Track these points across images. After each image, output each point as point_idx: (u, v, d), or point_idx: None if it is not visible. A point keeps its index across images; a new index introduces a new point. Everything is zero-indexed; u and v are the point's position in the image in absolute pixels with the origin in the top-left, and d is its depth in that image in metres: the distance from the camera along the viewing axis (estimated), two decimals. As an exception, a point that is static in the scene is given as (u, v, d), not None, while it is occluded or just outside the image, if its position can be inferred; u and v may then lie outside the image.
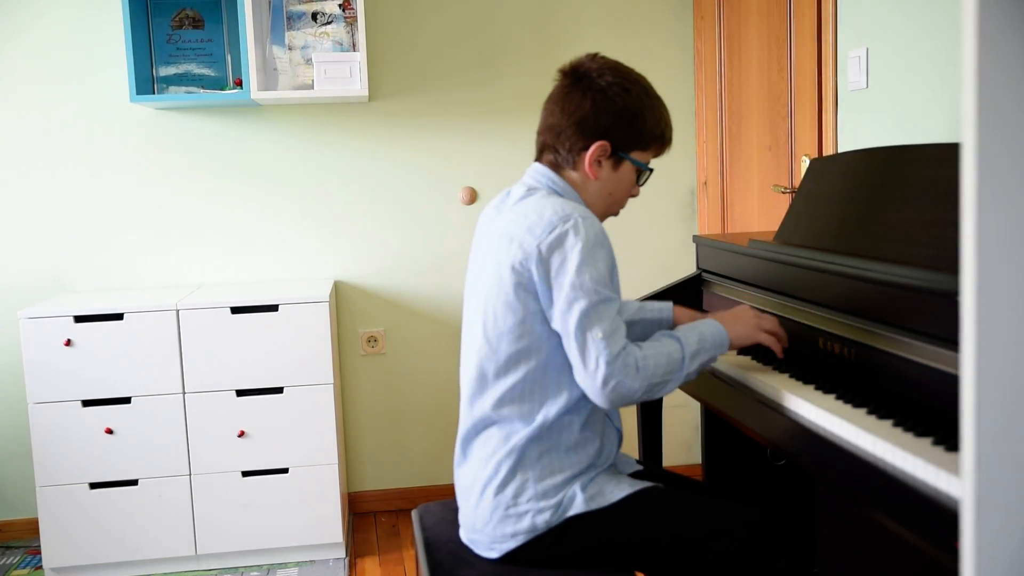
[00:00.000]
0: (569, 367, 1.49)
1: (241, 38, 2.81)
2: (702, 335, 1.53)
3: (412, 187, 3.18)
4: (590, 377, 1.42)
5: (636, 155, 1.59)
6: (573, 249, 1.43)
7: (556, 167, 1.59)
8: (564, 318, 1.43)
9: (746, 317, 1.61)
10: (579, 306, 1.42)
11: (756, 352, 1.75)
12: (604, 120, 1.55)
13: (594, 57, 1.59)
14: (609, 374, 1.40)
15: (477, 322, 1.56)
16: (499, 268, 1.51)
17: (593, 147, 1.55)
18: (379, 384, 3.23)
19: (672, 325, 1.85)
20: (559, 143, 1.57)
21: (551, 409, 1.50)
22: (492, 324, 1.52)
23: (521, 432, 1.51)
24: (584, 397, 1.51)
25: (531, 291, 1.47)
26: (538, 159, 1.62)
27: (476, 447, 1.56)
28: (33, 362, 2.67)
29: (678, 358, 1.48)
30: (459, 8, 3.15)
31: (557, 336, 1.48)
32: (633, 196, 1.65)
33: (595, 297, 1.42)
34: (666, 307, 1.85)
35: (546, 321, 1.48)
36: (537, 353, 1.49)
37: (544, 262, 1.45)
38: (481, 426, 1.56)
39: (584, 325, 1.42)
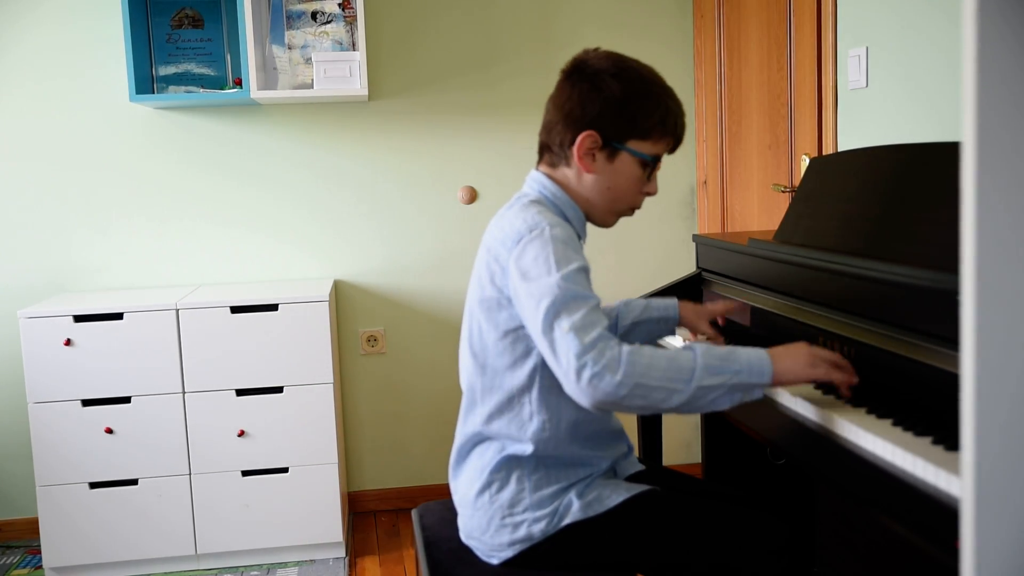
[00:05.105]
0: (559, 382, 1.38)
1: (241, 37, 2.81)
2: (733, 354, 1.34)
3: (412, 186, 3.18)
4: (564, 375, 1.31)
5: (634, 145, 1.48)
6: (540, 255, 1.37)
7: (553, 166, 1.54)
8: (533, 320, 1.35)
9: (798, 351, 1.39)
10: (545, 303, 1.33)
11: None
12: (591, 108, 1.46)
13: (591, 51, 1.52)
14: (580, 367, 1.27)
15: (466, 336, 1.54)
16: (480, 281, 1.48)
17: (580, 137, 1.47)
18: (379, 383, 3.23)
19: (678, 322, 1.84)
20: (551, 139, 1.52)
21: (546, 425, 1.47)
22: (478, 339, 1.49)
23: (513, 448, 1.48)
24: (581, 412, 1.47)
25: (508, 305, 1.43)
26: (539, 160, 1.58)
27: (472, 458, 1.55)
28: (33, 362, 2.67)
29: (687, 366, 1.30)
30: (459, 8, 3.15)
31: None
32: (649, 194, 1.54)
33: (562, 293, 1.33)
34: (671, 305, 1.82)
35: (528, 335, 1.42)
36: (522, 368, 1.45)
37: (514, 273, 1.40)
38: (476, 440, 1.54)
39: (551, 320, 1.32)
